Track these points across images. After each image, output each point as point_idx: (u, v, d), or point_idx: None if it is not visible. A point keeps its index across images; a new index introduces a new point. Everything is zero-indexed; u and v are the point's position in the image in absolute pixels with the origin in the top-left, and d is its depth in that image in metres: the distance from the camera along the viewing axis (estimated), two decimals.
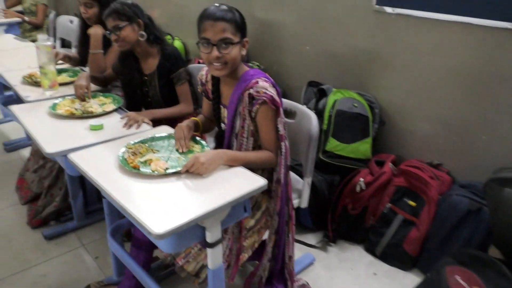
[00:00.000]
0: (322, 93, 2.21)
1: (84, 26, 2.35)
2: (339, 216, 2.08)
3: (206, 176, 1.31)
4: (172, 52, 1.97)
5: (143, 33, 1.89)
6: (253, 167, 1.43)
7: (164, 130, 1.65)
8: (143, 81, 2.00)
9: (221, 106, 1.61)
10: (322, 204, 2.07)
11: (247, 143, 1.50)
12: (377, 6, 2.08)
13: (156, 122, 1.83)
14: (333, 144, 2.03)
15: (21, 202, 2.38)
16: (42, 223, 2.21)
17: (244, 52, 1.45)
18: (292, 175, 1.87)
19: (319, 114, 2.09)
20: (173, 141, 1.53)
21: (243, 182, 1.29)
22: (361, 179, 1.98)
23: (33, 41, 4.16)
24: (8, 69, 2.41)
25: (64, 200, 2.21)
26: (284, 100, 1.80)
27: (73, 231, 2.19)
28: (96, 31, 2.21)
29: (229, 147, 1.54)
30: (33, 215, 2.21)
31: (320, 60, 2.48)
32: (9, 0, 4.42)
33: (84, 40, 2.41)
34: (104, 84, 2.18)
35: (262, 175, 1.56)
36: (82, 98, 1.90)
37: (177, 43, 3.41)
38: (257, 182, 1.30)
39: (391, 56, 2.11)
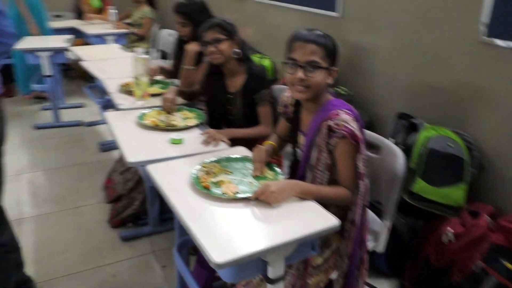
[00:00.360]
0: (413, 128, 2.04)
1: (180, 41, 2.47)
2: (419, 266, 1.88)
3: (276, 206, 1.26)
4: (259, 73, 1.97)
5: (238, 50, 1.93)
6: (327, 203, 1.35)
7: (240, 152, 1.63)
8: (227, 99, 2.02)
9: (299, 132, 1.55)
10: (401, 249, 1.89)
11: (322, 177, 1.42)
12: (485, 38, 1.87)
13: (233, 142, 1.83)
14: (420, 186, 1.85)
15: (106, 201, 2.54)
16: (121, 224, 2.33)
17: (330, 81, 1.40)
18: (370, 214, 1.73)
19: (407, 150, 1.92)
20: (247, 164, 1.51)
21: (313, 219, 1.21)
22: (450, 229, 1.77)
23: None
24: (109, 76, 2.62)
25: (142, 205, 2.30)
26: (368, 132, 1.69)
27: (147, 236, 2.27)
28: (192, 48, 2.30)
29: (303, 178, 1.47)
30: (114, 214, 2.35)
31: (413, 91, 2.30)
32: (120, 14, 4.84)
33: (179, 54, 2.53)
34: (190, 98, 2.25)
35: (336, 212, 1.46)
36: (168, 111, 1.97)
37: (266, 62, 3.44)
38: (329, 221, 1.21)
39: (497, 93, 1.87)
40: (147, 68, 2.10)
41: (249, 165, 1.50)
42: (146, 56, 2.07)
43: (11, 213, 2.37)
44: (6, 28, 1.44)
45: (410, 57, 2.28)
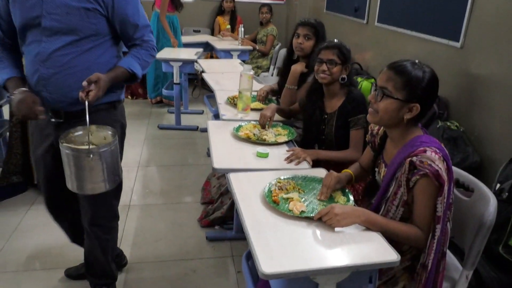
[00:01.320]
0: None
1: (288, 60, 2.60)
2: None
3: (337, 230, 1.28)
4: (357, 97, 1.99)
5: (345, 77, 1.99)
6: (395, 239, 1.31)
7: (319, 173, 1.67)
8: (323, 119, 2.08)
9: (382, 162, 1.53)
10: None
11: (395, 212, 1.38)
12: None
13: (320, 163, 1.88)
14: None
15: (200, 201, 2.78)
16: (209, 225, 2.53)
17: (408, 116, 1.34)
18: (451, 259, 1.61)
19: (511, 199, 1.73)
20: (321, 186, 1.54)
21: (372, 250, 1.20)
22: None
23: (258, 67, 4.84)
24: (221, 88, 2.88)
25: (230, 210, 2.47)
26: (462, 172, 1.59)
27: (230, 240, 2.42)
28: (296, 68, 2.41)
29: (377, 209, 1.45)
30: (204, 215, 2.56)
31: None
32: (251, 34, 5.23)
33: (285, 72, 2.67)
34: (288, 116, 2.35)
35: (408, 251, 1.42)
36: (263, 126, 2.10)
37: (365, 84, 3.35)
38: (389, 255, 1.18)
39: None
40: (251, 84, 2.26)
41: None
42: (251, 73, 2.24)
43: (123, 199, 2.78)
44: (153, 43, 1.70)
45: None
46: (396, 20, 3.27)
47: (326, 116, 2.06)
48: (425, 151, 1.29)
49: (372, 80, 3.46)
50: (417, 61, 1.38)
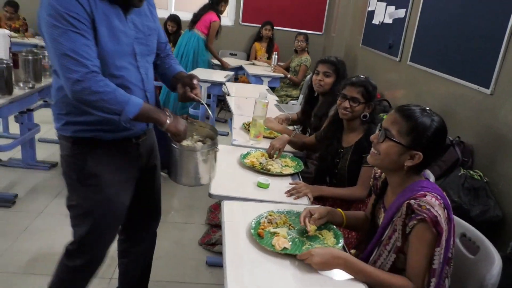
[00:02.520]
0: None
1: (309, 96, 2.60)
2: None
3: (321, 273, 1.21)
4: None
5: (367, 114, 1.97)
6: None
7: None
8: (338, 152, 2.05)
9: (382, 207, 1.46)
10: None
11: (387, 258, 1.30)
12: None
13: (326, 199, 1.83)
14: None
15: (205, 222, 2.76)
16: (211, 249, 2.50)
17: (408, 163, 1.29)
18: None
19: None
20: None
21: None
22: None
23: (287, 95, 4.84)
24: (241, 113, 2.88)
25: None
26: (470, 227, 1.49)
27: None
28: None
29: (370, 253, 1.37)
30: (206, 240, 2.53)
31: None
32: (284, 63, 5.26)
33: (307, 103, 2.66)
34: (300, 149, 2.31)
35: None
36: (270, 156, 2.07)
37: None
38: None
39: None
40: (265, 112, 2.25)
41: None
42: (266, 101, 2.24)
43: None
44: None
45: None
46: (429, 60, 3.21)
47: (342, 150, 2.04)
48: (425, 196, 1.23)
49: None
50: (428, 108, 1.33)
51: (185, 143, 1.53)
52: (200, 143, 1.64)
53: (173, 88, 1.68)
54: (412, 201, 1.23)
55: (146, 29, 1.48)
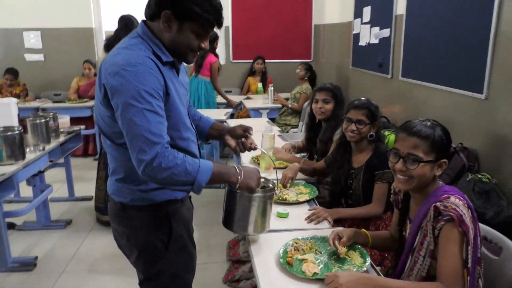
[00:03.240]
0: None
1: (311, 124, 2.70)
2: None
3: None
4: (383, 151, 2.02)
5: (373, 134, 2.05)
6: None
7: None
8: (350, 173, 2.11)
9: (408, 220, 1.52)
10: None
11: (423, 263, 1.35)
12: None
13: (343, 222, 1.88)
14: None
15: (227, 258, 2.78)
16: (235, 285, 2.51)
17: (438, 172, 1.38)
18: None
19: None
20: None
21: None
22: None
23: (286, 124, 4.93)
24: None
25: None
26: (489, 229, 1.55)
27: None
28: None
29: (404, 263, 1.42)
30: (230, 277, 2.54)
31: None
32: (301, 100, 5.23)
33: (310, 130, 2.74)
34: (311, 175, 2.37)
35: None
36: (284, 186, 2.13)
37: (393, 137, 3.32)
38: None
39: None
40: (272, 144, 2.33)
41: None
42: (272, 133, 2.32)
43: None
44: None
45: None
46: (420, 73, 3.31)
47: (353, 170, 2.10)
48: (449, 198, 1.30)
49: None
50: (425, 119, 1.41)
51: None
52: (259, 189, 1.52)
53: (206, 139, 1.70)
54: (438, 204, 1.30)
55: (186, 85, 1.52)
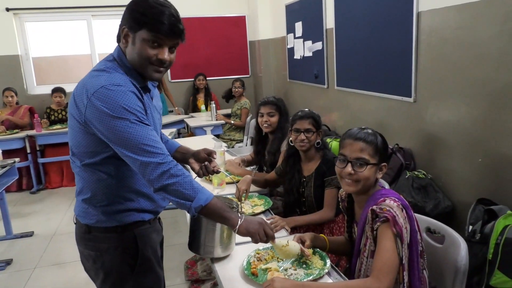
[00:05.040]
0: (492, 215, 1.92)
1: (258, 137, 2.77)
2: None
3: None
4: (331, 158, 2.11)
5: (320, 141, 2.14)
6: None
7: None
8: (301, 182, 2.18)
9: (354, 224, 1.61)
10: None
11: (367, 264, 1.44)
12: None
13: (299, 229, 1.94)
14: (500, 280, 1.70)
15: (185, 278, 2.74)
16: None
17: (379, 176, 1.49)
18: None
19: (485, 240, 1.80)
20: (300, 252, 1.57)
21: None
22: None
23: (231, 139, 4.97)
24: None
25: None
26: (432, 220, 1.67)
27: None
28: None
29: (355, 266, 1.50)
30: None
31: (496, 173, 2.18)
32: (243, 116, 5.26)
33: (258, 143, 2.80)
34: (264, 186, 2.43)
35: None
36: (239, 199, 2.16)
37: (335, 144, 3.49)
38: None
39: None
40: (223, 160, 2.36)
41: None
42: (223, 149, 2.35)
43: None
44: None
45: (491, 134, 2.18)
46: (354, 82, 3.51)
47: (304, 179, 2.17)
48: (384, 200, 1.41)
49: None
50: (365, 128, 1.53)
51: None
52: None
53: None
54: (375, 207, 1.40)
55: (160, 110, 1.52)
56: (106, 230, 1.39)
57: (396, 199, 1.41)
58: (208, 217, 1.36)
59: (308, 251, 1.52)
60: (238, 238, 1.71)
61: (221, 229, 1.49)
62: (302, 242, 1.56)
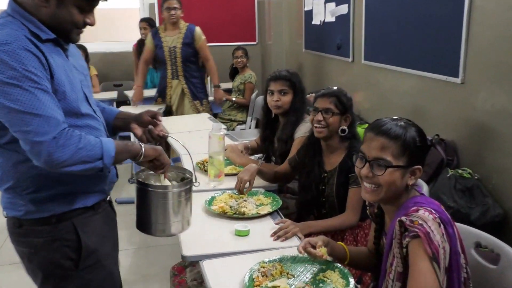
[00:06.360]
0: None
1: (267, 119, 2.67)
2: None
3: None
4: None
5: (345, 128, 2.04)
6: None
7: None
8: (322, 178, 2.10)
9: (384, 235, 1.52)
10: None
11: None
12: None
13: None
14: None
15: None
16: None
17: (411, 181, 1.37)
18: None
19: None
20: (314, 268, 1.51)
21: None
22: None
23: (231, 120, 4.88)
24: (187, 153, 2.84)
25: None
26: (483, 234, 1.59)
27: None
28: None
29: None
30: None
31: None
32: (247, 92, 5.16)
33: (267, 127, 2.70)
34: (272, 180, 2.33)
35: None
36: (241, 192, 2.08)
37: (359, 131, 3.41)
38: None
39: None
40: (222, 146, 2.26)
41: (318, 268, 1.50)
42: (222, 133, 2.25)
43: None
44: None
45: None
46: (385, 56, 3.40)
47: (325, 174, 2.09)
48: (417, 210, 1.29)
49: (366, 125, 3.52)
50: (398, 118, 1.42)
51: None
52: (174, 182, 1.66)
53: (113, 133, 1.72)
54: (404, 218, 1.29)
55: (84, 70, 1.54)
56: (38, 222, 1.39)
57: (433, 211, 1.30)
58: (118, 162, 1.44)
59: (322, 250, 1.45)
60: (234, 247, 1.69)
61: (176, 202, 1.54)
62: (313, 246, 1.49)
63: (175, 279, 2.72)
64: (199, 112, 4.39)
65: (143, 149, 1.43)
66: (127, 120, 1.67)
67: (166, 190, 1.53)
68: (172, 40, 4.34)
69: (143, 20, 5.53)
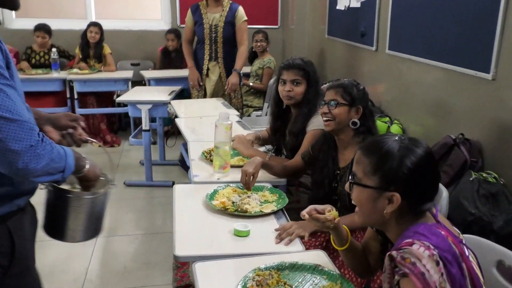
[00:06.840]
0: None
1: (277, 109, 2.57)
2: None
3: None
4: None
5: (356, 121, 1.95)
6: None
7: (318, 257, 1.53)
8: (335, 175, 2.02)
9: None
10: None
11: None
12: None
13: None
14: None
15: (173, 285, 2.59)
16: None
17: (390, 209, 1.20)
18: None
19: None
20: (316, 277, 1.40)
21: None
22: None
23: (247, 106, 4.75)
24: (198, 139, 2.75)
25: None
26: (506, 251, 1.43)
27: None
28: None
29: None
30: None
31: None
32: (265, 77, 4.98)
33: (278, 116, 2.57)
34: (281, 175, 2.23)
35: None
36: (247, 187, 1.98)
37: (395, 128, 3.28)
38: None
39: None
40: (229, 136, 2.14)
41: (318, 278, 1.40)
42: (229, 122, 2.13)
43: (72, 285, 2.60)
44: None
45: None
46: (411, 46, 3.27)
47: (339, 171, 2.01)
48: (411, 244, 1.11)
49: (387, 119, 3.38)
50: (399, 134, 1.27)
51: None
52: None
53: None
54: (394, 252, 1.12)
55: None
56: None
57: (431, 246, 1.09)
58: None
59: (333, 213, 1.41)
60: (232, 248, 1.59)
61: (90, 208, 1.48)
62: (319, 212, 1.42)
63: (178, 272, 2.66)
64: (231, 102, 4.10)
65: (85, 170, 1.38)
66: (38, 120, 1.45)
67: (87, 197, 1.47)
68: (213, 17, 4.04)
69: (170, 31, 5.44)
